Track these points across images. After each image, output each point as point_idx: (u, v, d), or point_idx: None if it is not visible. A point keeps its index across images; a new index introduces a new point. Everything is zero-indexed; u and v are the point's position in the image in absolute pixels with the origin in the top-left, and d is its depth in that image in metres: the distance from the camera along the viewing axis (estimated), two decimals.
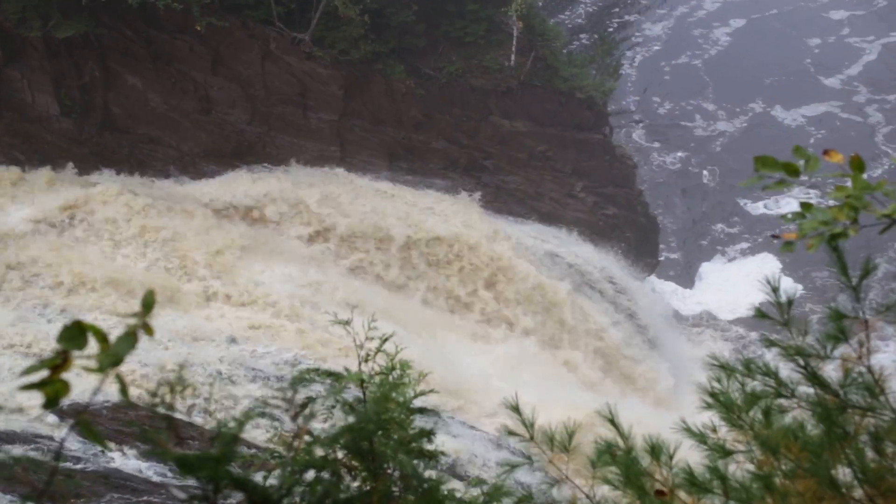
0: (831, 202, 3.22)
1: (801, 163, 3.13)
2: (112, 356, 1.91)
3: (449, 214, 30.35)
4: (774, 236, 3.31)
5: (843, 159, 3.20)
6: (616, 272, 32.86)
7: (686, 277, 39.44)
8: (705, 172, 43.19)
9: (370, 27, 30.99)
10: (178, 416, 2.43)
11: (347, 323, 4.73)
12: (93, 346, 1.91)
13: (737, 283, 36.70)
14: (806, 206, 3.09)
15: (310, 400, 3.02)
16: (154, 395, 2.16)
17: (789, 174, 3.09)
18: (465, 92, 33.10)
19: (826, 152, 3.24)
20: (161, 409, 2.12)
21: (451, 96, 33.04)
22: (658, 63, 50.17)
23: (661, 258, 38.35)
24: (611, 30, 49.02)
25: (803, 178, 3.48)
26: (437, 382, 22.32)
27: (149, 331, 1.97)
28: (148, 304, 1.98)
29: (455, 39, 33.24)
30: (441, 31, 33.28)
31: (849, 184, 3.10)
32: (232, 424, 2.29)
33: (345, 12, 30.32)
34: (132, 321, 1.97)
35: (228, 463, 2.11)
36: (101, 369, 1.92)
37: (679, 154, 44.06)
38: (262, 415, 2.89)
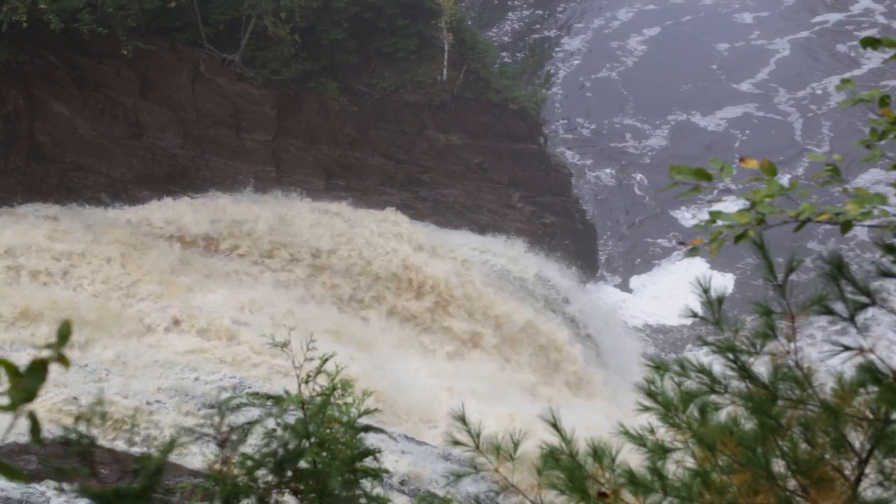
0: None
1: (717, 170, 3.26)
2: (23, 392, 1.82)
3: (391, 230, 30.30)
4: (681, 243, 3.45)
5: (757, 165, 3.33)
6: (558, 279, 33.18)
7: (626, 284, 40.03)
8: (636, 186, 43.87)
9: (301, 46, 30.89)
10: (112, 447, 2.38)
11: (285, 345, 4.69)
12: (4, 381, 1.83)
13: (674, 286, 37.40)
14: (715, 213, 3.23)
15: (243, 426, 2.99)
16: (72, 429, 2.11)
17: (702, 180, 3.21)
18: (399, 107, 33.19)
19: (741, 159, 3.37)
20: (79, 443, 2.08)
21: (385, 112, 33.09)
22: (579, 78, 50.71)
23: (602, 263, 38.89)
24: (526, 49, 49.57)
25: (733, 186, 3.58)
26: (386, 399, 22.24)
27: (64, 362, 1.90)
28: (63, 335, 1.92)
29: (387, 55, 33.33)
30: (373, 47, 33.34)
31: (763, 187, 3.23)
32: (157, 454, 2.24)
33: (275, 32, 30.17)
34: (45, 353, 1.90)
35: (150, 496, 2.06)
36: (13, 407, 1.82)
37: (608, 170, 44.62)
38: (191, 442, 2.85)
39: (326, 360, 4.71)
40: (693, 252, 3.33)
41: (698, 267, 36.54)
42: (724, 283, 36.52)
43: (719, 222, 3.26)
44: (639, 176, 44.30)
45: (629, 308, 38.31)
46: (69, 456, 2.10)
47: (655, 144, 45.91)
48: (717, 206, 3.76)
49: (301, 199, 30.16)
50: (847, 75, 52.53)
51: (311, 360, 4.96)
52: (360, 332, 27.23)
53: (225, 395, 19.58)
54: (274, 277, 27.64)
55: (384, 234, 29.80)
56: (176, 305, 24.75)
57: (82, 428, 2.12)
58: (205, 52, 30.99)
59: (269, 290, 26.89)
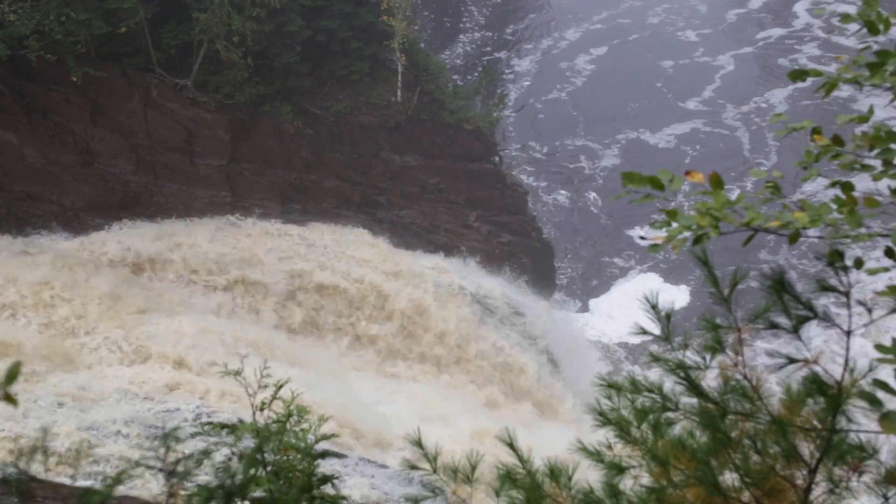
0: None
1: (666, 182, 3.32)
2: None
3: (348, 253, 30.18)
4: (642, 237, 3.53)
5: (703, 178, 3.41)
6: (516, 298, 33.30)
7: (585, 301, 40.31)
8: (591, 206, 44.25)
9: (254, 70, 30.80)
10: (58, 482, 2.33)
11: (238, 373, 4.64)
12: None
13: (631, 302, 37.72)
14: (671, 213, 3.29)
15: (193, 455, 2.95)
16: (12, 465, 2.07)
17: (655, 188, 3.28)
18: (354, 129, 33.20)
19: (687, 173, 3.45)
20: (19, 480, 2.03)
21: (340, 134, 33.07)
22: (529, 100, 51.01)
23: (560, 282, 39.12)
24: (478, 72, 49.76)
25: (684, 202, 3.65)
26: (345, 423, 22.06)
27: (11, 401, 1.88)
28: (12, 374, 1.90)
29: (341, 78, 33.36)
30: (326, 70, 33.35)
31: (710, 199, 3.30)
32: (103, 488, 2.21)
33: (227, 56, 30.06)
34: None
35: None
36: None
37: (563, 191, 44.95)
38: (139, 475, 2.81)
39: (281, 386, 4.67)
40: (654, 248, 3.39)
41: (654, 282, 36.96)
42: (679, 296, 36.97)
43: (675, 224, 3.31)
44: (593, 195, 44.75)
45: (589, 325, 38.57)
46: (10, 494, 2.05)
47: (608, 164, 46.40)
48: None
49: (256, 223, 29.94)
50: (791, 88, 53.89)
51: (266, 387, 4.92)
52: (319, 355, 27.03)
53: (179, 425, 19.27)
54: (228, 303, 27.33)
55: (340, 255, 29.68)
56: (127, 334, 24.35)
57: (23, 464, 2.08)
58: (156, 78, 30.74)
59: (224, 316, 26.59)
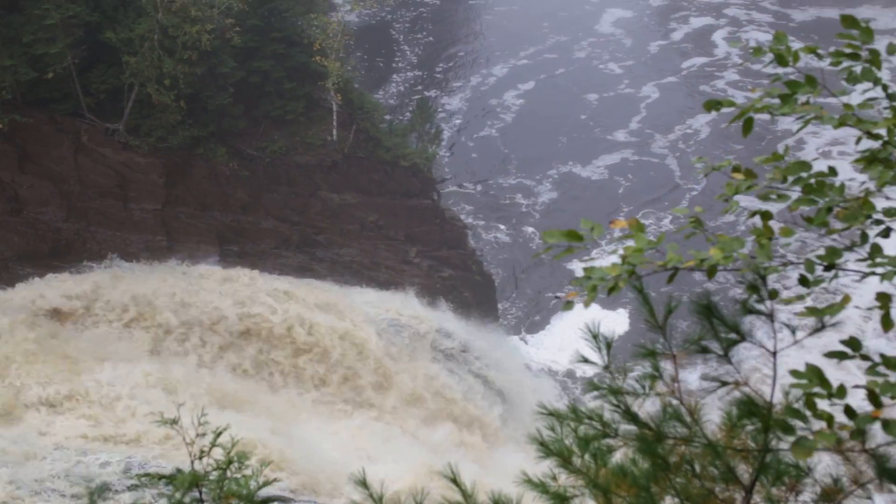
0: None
1: (588, 230, 3.43)
2: None
3: (290, 293, 29.89)
4: (556, 297, 3.65)
5: (625, 224, 3.52)
6: (459, 332, 33.32)
7: (528, 332, 40.50)
8: (529, 241, 44.59)
9: (187, 112, 30.54)
10: None
11: (174, 422, 4.55)
12: None
13: (574, 331, 37.98)
14: (588, 269, 3.40)
15: None
16: None
17: (574, 241, 3.38)
18: (291, 169, 33.09)
19: (611, 222, 3.58)
20: None
21: (276, 175, 32.91)
22: (461, 139, 51.29)
23: (502, 314, 39.26)
24: (410, 111, 49.91)
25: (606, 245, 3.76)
26: (289, 466, 21.70)
27: None
28: None
29: (276, 118, 33.28)
30: (261, 111, 33.25)
31: (633, 242, 3.41)
32: None
33: (159, 99, 29.77)
34: None
35: None
36: None
37: (501, 226, 45.17)
38: None
39: (220, 433, 4.60)
40: (568, 306, 3.52)
41: (593, 311, 37.35)
42: (620, 320, 37.40)
43: (592, 277, 3.43)
44: (530, 230, 45.16)
45: (534, 355, 38.75)
46: None
47: (543, 198, 46.84)
48: (597, 261, 3.91)
49: (192, 266, 29.51)
50: (715, 113, 55.79)
51: (205, 434, 4.83)
52: (260, 398, 26.60)
53: (108, 480, 18.73)
54: (163, 348, 26.77)
55: (279, 297, 29.37)
56: (58, 385, 23.61)
57: None
58: (86, 123, 30.26)
59: (159, 362, 26.01)
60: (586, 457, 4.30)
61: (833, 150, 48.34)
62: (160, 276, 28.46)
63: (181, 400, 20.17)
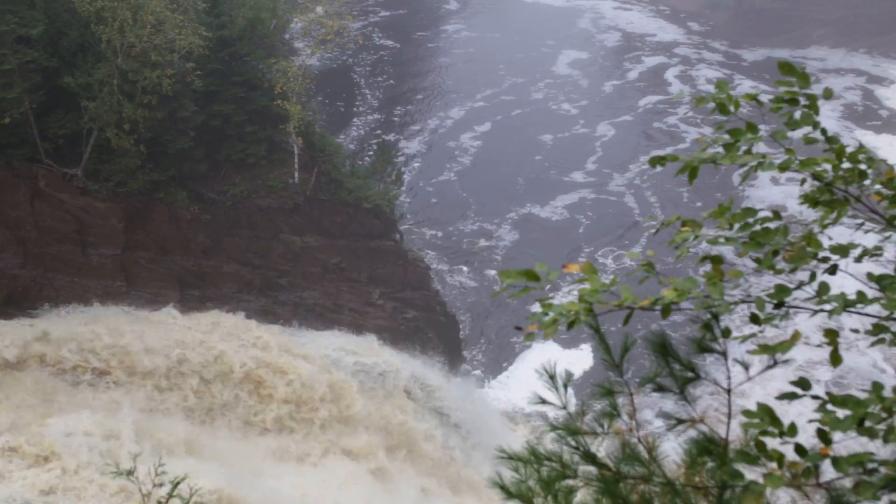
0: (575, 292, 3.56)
1: (544, 274, 3.49)
2: None
3: (252, 337, 29.59)
4: (518, 328, 3.68)
5: (578, 268, 3.59)
6: (424, 373, 33.18)
7: (492, 373, 40.43)
8: (492, 283, 44.63)
9: (147, 156, 30.36)
10: None
11: (130, 473, 4.46)
12: None
13: (532, 374, 37.99)
14: (546, 304, 3.44)
15: None
16: None
17: (531, 280, 3.43)
18: (253, 212, 32.96)
19: (564, 266, 3.65)
20: None
21: (238, 218, 32.76)
22: (419, 183, 51.03)
23: (467, 356, 39.19)
24: (371, 154, 49.81)
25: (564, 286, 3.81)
26: None
27: None
28: None
29: (237, 162, 33.21)
30: (222, 154, 33.17)
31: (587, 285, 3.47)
32: None
33: (119, 144, 29.57)
34: None
35: None
36: None
37: (465, 268, 45.11)
38: None
39: (178, 483, 4.52)
40: (528, 338, 3.56)
41: (554, 351, 37.49)
42: (582, 357, 37.50)
43: (551, 313, 3.48)
44: (493, 273, 45.27)
45: (498, 396, 38.65)
46: None
47: (504, 241, 46.86)
48: (555, 300, 3.96)
49: (152, 311, 29.11)
50: (670, 149, 56.56)
51: (163, 484, 4.75)
52: (221, 444, 26.16)
53: None
54: (123, 396, 26.26)
55: (241, 341, 29.06)
56: (26, 438, 23.03)
57: None
58: (44, 168, 29.92)
59: (117, 409, 25.50)
60: (549, 498, 4.30)
61: (782, 178, 49.37)
62: (118, 322, 28.02)
63: (137, 448, 19.76)
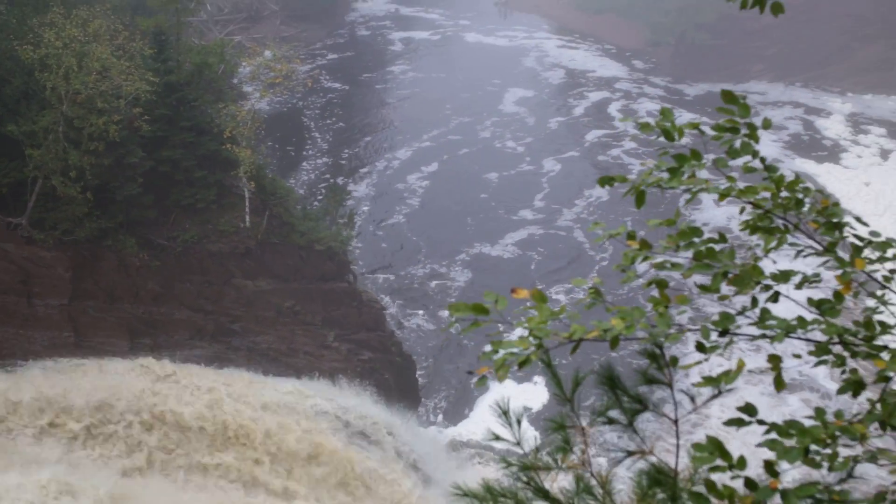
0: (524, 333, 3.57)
1: (493, 302, 3.48)
2: None
3: (205, 384, 29.06)
4: (469, 372, 3.70)
5: (527, 294, 3.60)
6: (382, 415, 32.88)
7: (451, 413, 40.21)
8: (447, 324, 44.43)
9: (94, 204, 29.92)
10: None
11: None
12: None
13: (489, 412, 37.86)
14: (496, 343, 3.45)
15: None
16: None
17: (480, 314, 3.44)
18: (204, 258, 32.58)
19: (513, 290, 3.65)
20: None
21: (189, 264, 32.35)
22: (369, 227, 50.27)
23: (425, 395, 38.96)
24: (320, 197, 49.39)
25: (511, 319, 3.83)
26: None
27: None
28: None
29: (187, 207, 32.88)
30: (171, 199, 32.82)
31: (535, 313, 3.47)
32: None
33: (65, 192, 29.11)
34: None
35: None
36: None
37: (420, 311, 44.70)
38: None
39: None
40: (481, 381, 3.56)
41: (513, 386, 37.47)
42: (538, 392, 37.47)
43: (501, 351, 3.48)
44: (447, 314, 45.17)
45: (459, 435, 38.40)
46: None
47: (457, 281, 46.53)
48: (504, 335, 3.96)
49: (99, 362, 28.48)
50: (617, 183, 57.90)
51: None
52: (177, 496, 25.53)
53: None
54: (70, 450, 25.53)
55: (193, 389, 28.54)
56: None
57: None
58: None
59: (68, 464, 24.77)
60: None
61: (725, 201, 50.17)
62: (65, 374, 27.34)
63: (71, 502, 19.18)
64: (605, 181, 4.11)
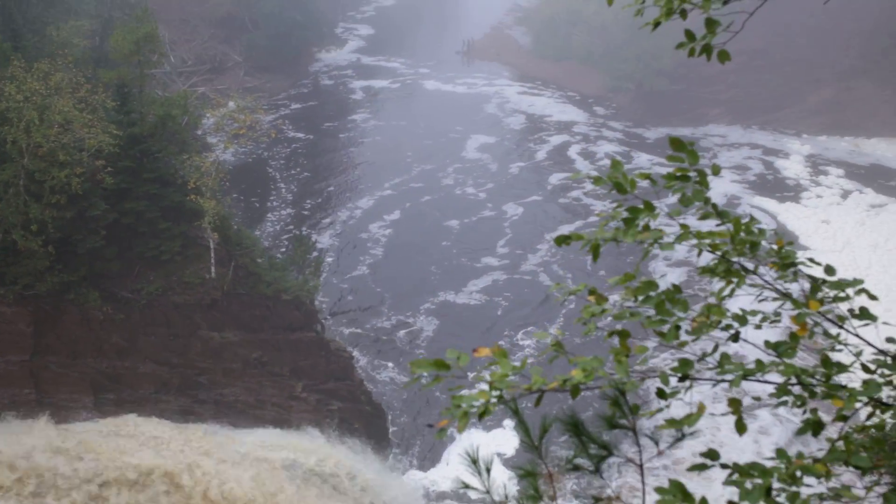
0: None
1: (455, 359, 3.55)
2: None
3: (171, 439, 28.57)
4: (429, 425, 3.74)
5: (489, 352, 3.67)
6: (352, 464, 32.48)
7: (423, 462, 39.78)
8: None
9: (56, 257, 29.59)
10: None
11: None
12: None
13: (459, 460, 37.54)
14: (457, 398, 3.51)
15: None
16: None
17: (442, 370, 3.50)
18: (169, 310, 32.24)
19: (475, 350, 3.73)
20: None
21: (154, 317, 31.98)
22: (333, 280, 49.33)
23: (396, 445, 38.51)
24: (283, 250, 48.79)
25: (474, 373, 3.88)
26: None
27: None
28: None
29: (151, 259, 32.61)
30: (135, 252, 32.55)
31: (497, 368, 3.55)
32: None
33: (25, 246, 28.76)
34: None
35: None
36: None
37: (390, 363, 43.66)
38: None
39: None
40: (441, 433, 3.59)
41: (483, 434, 37.25)
42: (509, 438, 37.19)
43: (462, 405, 3.54)
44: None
45: (429, 481, 37.97)
46: None
47: (425, 331, 45.69)
48: (465, 390, 4.01)
49: (62, 418, 27.92)
50: (579, 222, 57.46)
51: None
52: None
53: None
54: None
55: (158, 445, 28.04)
56: None
57: None
58: None
59: None
60: None
61: (681, 248, 50.69)
62: (26, 433, 26.75)
63: None
64: (562, 241, 4.20)
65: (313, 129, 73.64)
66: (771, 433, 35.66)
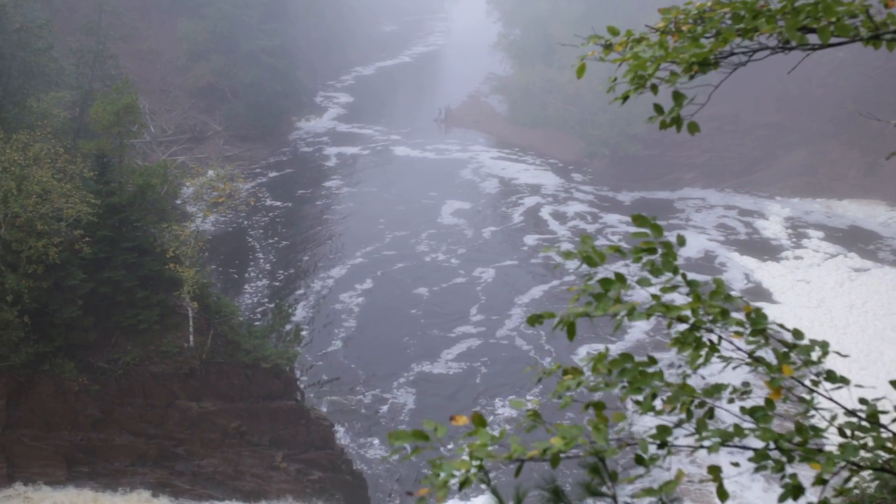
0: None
1: (432, 430, 3.59)
2: None
3: None
4: (409, 493, 3.76)
5: (467, 420, 3.71)
6: None
7: None
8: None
9: (32, 328, 29.28)
10: None
11: None
12: None
13: None
14: (437, 466, 3.53)
15: None
16: None
17: (420, 440, 3.53)
18: (146, 380, 31.85)
19: (452, 418, 3.77)
20: None
21: (130, 387, 31.56)
22: (307, 357, 48.26)
23: None
24: (259, 321, 48.03)
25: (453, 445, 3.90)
26: None
27: None
28: None
29: (128, 328, 32.32)
30: (112, 321, 32.27)
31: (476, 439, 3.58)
32: None
33: (0, 317, 28.46)
34: None
35: None
36: None
37: (374, 440, 42.64)
38: None
39: None
40: (421, 503, 3.61)
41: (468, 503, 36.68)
42: None
43: (442, 474, 3.56)
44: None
45: None
46: None
47: (406, 404, 44.89)
48: (444, 458, 4.03)
49: (34, 493, 27.28)
50: (553, 282, 57.19)
51: None
52: None
53: None
54: None
55: None
56: None
57: None
58: None
59: None
60: None
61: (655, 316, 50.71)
62: None
63: None
64: (534, 320, 4.27)
65: (290, 197, 73.92)
66: (755, 492, 35.37)
